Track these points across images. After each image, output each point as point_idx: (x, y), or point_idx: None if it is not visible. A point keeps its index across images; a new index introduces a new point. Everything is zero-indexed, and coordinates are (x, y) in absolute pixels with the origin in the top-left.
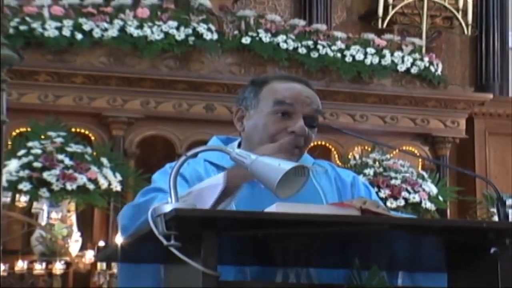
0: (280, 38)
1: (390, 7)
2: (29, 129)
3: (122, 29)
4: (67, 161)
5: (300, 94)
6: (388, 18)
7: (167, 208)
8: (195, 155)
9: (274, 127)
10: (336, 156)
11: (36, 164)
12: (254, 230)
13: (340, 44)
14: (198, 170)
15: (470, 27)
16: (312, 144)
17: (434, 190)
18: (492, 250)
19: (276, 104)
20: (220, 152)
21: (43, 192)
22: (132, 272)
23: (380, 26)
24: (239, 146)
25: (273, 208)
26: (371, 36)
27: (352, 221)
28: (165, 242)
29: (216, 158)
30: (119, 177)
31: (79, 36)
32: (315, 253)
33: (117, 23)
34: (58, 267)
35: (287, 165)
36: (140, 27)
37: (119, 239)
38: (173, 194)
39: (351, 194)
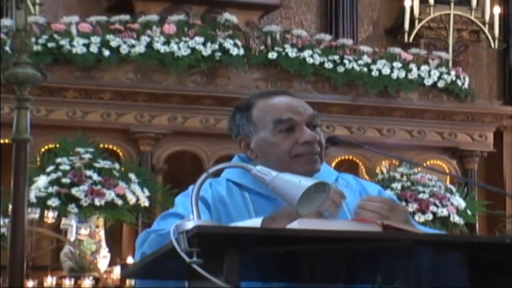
0: (307, 53)
1: (417, 21)
2: (57, 145)
3: (149, 45)
4: (95, 177)
5: (290, 106)
6: (415, 32)
7: (189, 225)
8: (216, 173)
9: (286, 144)
10: (364, 170)
11: (65, 180)
12: (277, 247)
13: (366, 59)
14: (220, 192)
15: (497, 41)
16: (339, 159)
17: (462, 204)
18: None
19: (275, 124)
20: (242, 171)
21: (72, 208)
22: None
23: (406, 40)
24: None
25: (295, 225)
26: (397, 50)
27: (373, 237)
28: (187, 259)
29: (238, 176)
30: (147, 193)
31: (106, 52)
32: (337, 269)
33: (144, 39)
34: (87, 283)
35: (308, 181)
36: (167, 43)
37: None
38: (195, 211)
39: None
